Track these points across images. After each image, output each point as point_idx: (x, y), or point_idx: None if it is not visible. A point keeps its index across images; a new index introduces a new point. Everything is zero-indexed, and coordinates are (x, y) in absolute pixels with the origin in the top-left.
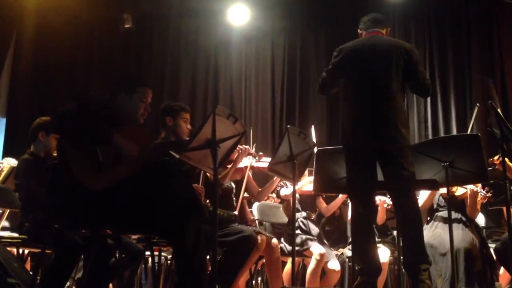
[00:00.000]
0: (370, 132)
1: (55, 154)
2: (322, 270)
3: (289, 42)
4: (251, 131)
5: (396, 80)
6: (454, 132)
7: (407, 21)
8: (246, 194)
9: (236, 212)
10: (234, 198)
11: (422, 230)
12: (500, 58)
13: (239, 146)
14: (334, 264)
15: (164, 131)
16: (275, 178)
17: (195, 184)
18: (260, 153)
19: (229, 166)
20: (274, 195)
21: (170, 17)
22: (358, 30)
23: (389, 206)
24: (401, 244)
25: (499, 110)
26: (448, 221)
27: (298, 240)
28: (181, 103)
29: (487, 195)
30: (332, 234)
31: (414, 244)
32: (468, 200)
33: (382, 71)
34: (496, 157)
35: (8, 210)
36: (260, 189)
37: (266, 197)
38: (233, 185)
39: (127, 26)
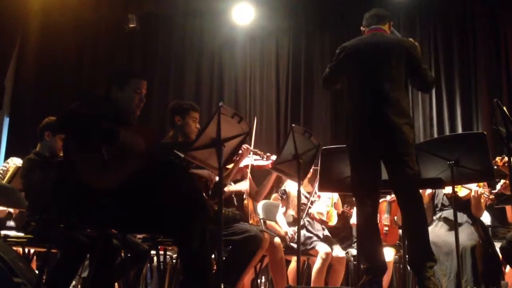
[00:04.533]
0: (373, 132)
1: (61, 155)
2: (328, 268)
3: (294, 42)
4: (255, 129)
5: (398, 78)
6: (460, 130)
7: (412, 20)
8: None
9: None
10: (234, 198)
11: (427, 228)
12: (506, 56)
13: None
14: (338, 251)
15: (172, 130)
16: (270, 177)
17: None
18: (268, 154)
19: (230, 166)
20: (275, 195)
21: (174, 16)
22: (361, 28)
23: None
24: (406, 243)
25: (505, 108)
26: (454, 220)
27: (303, 239)
28: (190, 102)
29: (491, 197)
30: (340, 231)
31: (419, 242)
32: (472, 201)
33: (383, 69)
34: (498, 158)
35: (18, 211)
36: (257, 189)
37: (263, 197)
38: (233, 185)
39: (132, 26)
